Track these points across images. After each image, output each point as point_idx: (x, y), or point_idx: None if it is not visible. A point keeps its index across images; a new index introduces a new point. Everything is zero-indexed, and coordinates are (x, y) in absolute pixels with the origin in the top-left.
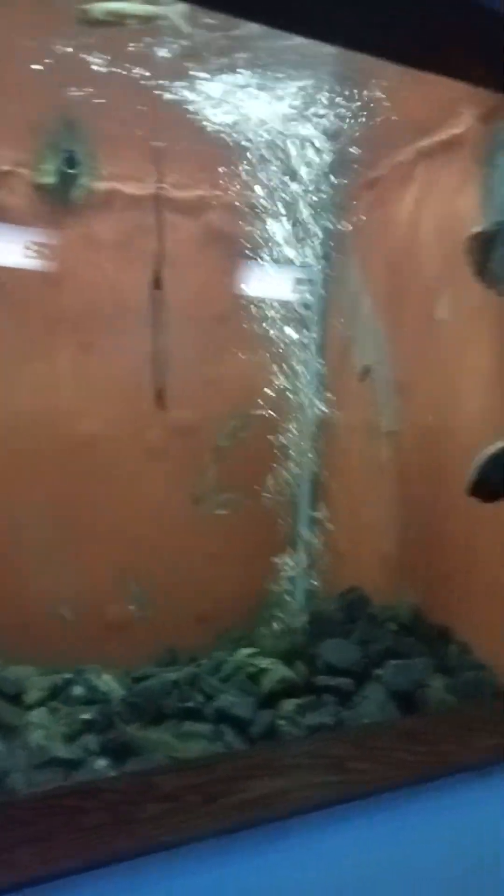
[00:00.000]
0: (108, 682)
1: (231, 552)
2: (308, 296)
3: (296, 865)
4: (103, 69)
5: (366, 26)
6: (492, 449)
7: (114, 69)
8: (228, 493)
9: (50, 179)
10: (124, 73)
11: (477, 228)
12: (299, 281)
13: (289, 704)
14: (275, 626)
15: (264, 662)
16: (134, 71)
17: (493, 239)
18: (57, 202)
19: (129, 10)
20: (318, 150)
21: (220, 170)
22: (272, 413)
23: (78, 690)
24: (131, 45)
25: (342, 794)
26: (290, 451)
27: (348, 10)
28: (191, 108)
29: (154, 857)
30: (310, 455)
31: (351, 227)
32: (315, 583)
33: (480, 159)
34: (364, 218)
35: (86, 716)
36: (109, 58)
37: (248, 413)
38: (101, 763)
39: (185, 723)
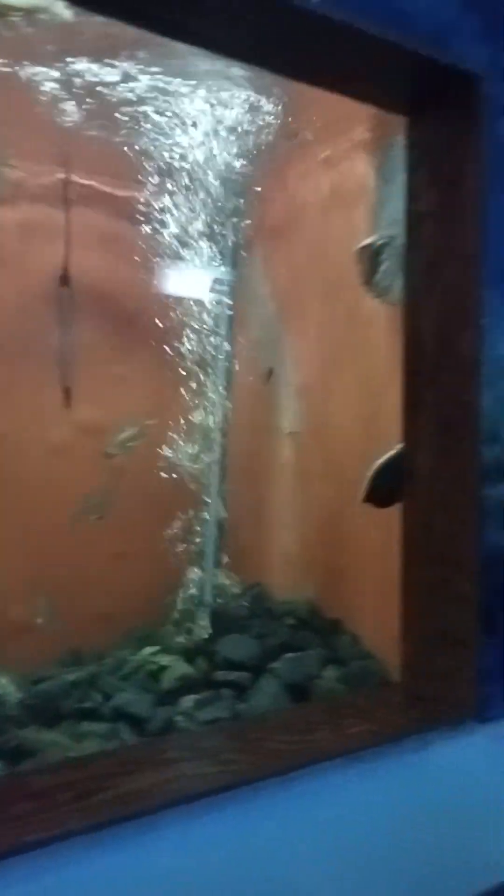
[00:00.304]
0: (4, 686)
1: (137, 551)
2: (216, 298)
3: (168, 857)
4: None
5: (261, 43)
6: (382, 459)
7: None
8: (125, 497)
9: None
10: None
11: (366, 241)
12: (208, 284)
13: (187, 700)
14: (179, 623)
15: (165, 660)
16: (29, 69)
17: (380, 252)
18: None
19: (13, 3)
20: (228, 155)
21: (134, 168)
22: (177, 416)
23: None
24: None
25: (216, 785)
26: (199, 451)
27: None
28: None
29: (22, 856)
30: (217, 455)
31: (256, 235)
32: (220, 581)
33: (374, 175)
34: (269, 227)
35: None
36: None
37: (142, 423)
38: None
39: (82, 723)
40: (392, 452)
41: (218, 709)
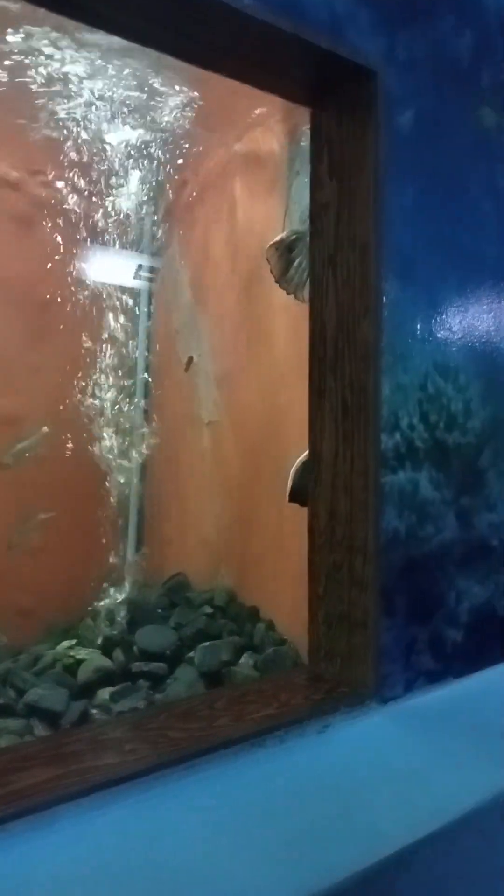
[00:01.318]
0: None
1: (57, 546)
2: (135, 285)
3: (65, 851)
4: None
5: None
6: (302, 457)
7: None
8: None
9: None
10: None
11: (277, 237)
12: (127, 271)
13: (104, 693)
14: (99, 615)
15: (82, 653)
16: None
17: (292, 247)
18: None
19: None
20: (145, 140)
21: (50, 147)
22: (96, 404)
23: None
24: None
25: (114, 776)
26: (117, 442)
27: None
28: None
29: None
30: (136, 444)
31: (175, 223)
32: (140, 571)
33: (284, 170)
34: (186, 215)
35: None
36: None
37: (39, 432)
38: None
39: None
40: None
41: (134, 699)
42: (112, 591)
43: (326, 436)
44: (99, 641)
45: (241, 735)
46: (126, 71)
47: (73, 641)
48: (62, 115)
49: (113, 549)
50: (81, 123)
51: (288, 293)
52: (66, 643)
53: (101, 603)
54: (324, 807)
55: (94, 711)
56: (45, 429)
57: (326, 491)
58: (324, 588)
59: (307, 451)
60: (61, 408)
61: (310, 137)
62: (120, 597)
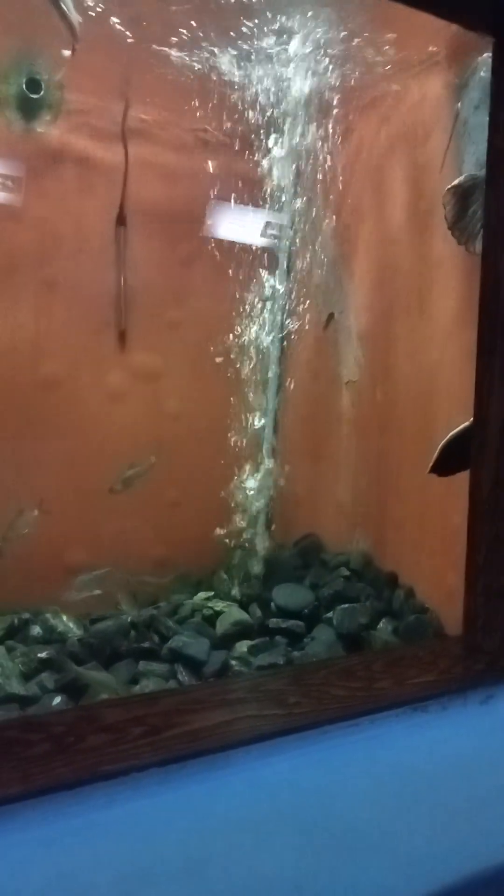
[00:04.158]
0: (65, 623)
1: (192, 500)
2: (275, 241)
3: (234, 794)
4: None
5: None
6: (456, 430)
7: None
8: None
9: (11, 102)
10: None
11: (456, 181)
12: (267, 226)
13: (242, 646)
14: (233, 570)
15: (220, 605)
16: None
17: (469, 194)
18: (18, 129)
19: None
20: (292, 87)
21: (193, 105)
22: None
23: (35, 631)
24: None
25: (281, 727)
26: (251, 399)
27: None
28: (162, 41)
29: (96, 785)
30: (271, 403)
31: (320, 172)
32: (273, 529)
33: (457, 107)
34: (335, 164)
35: (42, 655)
36: None
37: (148, 461)
38: (57, 700)
39: (140, 662)
40: (466, 424)
41: (273, 655)
42: (246, 548)
43: (495, 398)
44: (236, 595)
45: (405, 698)
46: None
47: (210, 594)
48: (216, 59)
49: (246, 505)
50: (239, 68)
51: (459, 243)
52: (202, 594)
53: (235, 558)
54: (491, 780)
55: (234, 663)
56: (153, 458)
57: (492, 458)
58: (484, 558)
59: (463, 425)
60: (198, 362)
61: (492, 73)
62: (254, 552)
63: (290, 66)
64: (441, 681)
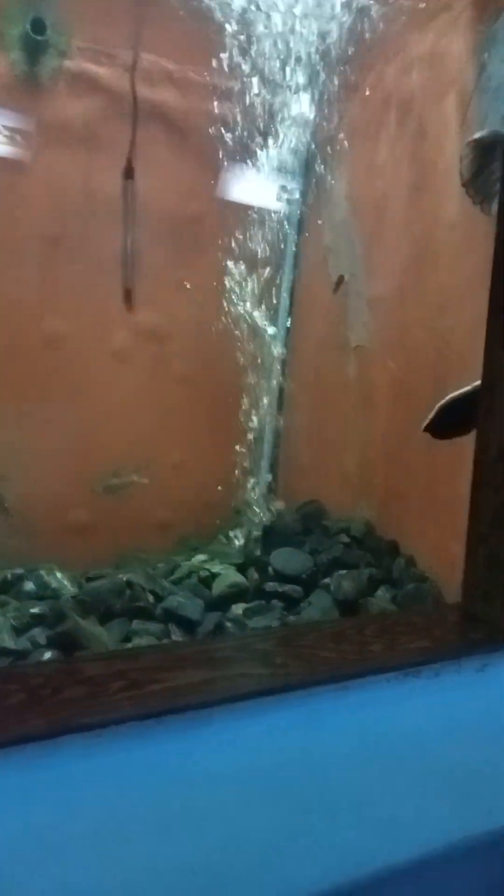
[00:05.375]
0: (59, 580)
1: (194, 463)
2: (287, 203)
3: (214, 751)
4: None
5: None
6: (457, 392)
7: None
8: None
9: (15, 44)
10: None
11: (477, 135)
12: (278, 186)
13: (238, 608)
14: (232, 533)
15: (217, 567)
16: None
17: (490, 150)
18: (22, 73)
19: None
20: (308, 46)
21: (206, 57)
22: (239, 322)
23: (29, 586)
24: None
25: (265, 687)
26: (257, 363)
27: None
28: None
29: (73, 737)
30: (276, 367)
31: (336, 131)
32: (274, 495)
33: (483, 59)
34: (350, 122)
35: (35, 610)
36: None
37: (132, 476)
38: (47, 655)
39: (134, 621)
40: (468, 388)
41: (268, 618)
42: (247, 511)
43: None
44: (234, 559)
45: (396, 663)
46: None
47: (209, 556)
48: (230, 10)
49: (248, 470)
50: (252, 22)
51: (474, 202)
52: (200, 556)
53: (235, 522)
54: (481, 747)
55: (228, 624)
56: (136, 477)
57: (499, 423)
58: (488, 527)
59: (465, 388)
60: (206, 324)
61: None
62: (254, 517)
63: (303, 16)
64: (435, 647)
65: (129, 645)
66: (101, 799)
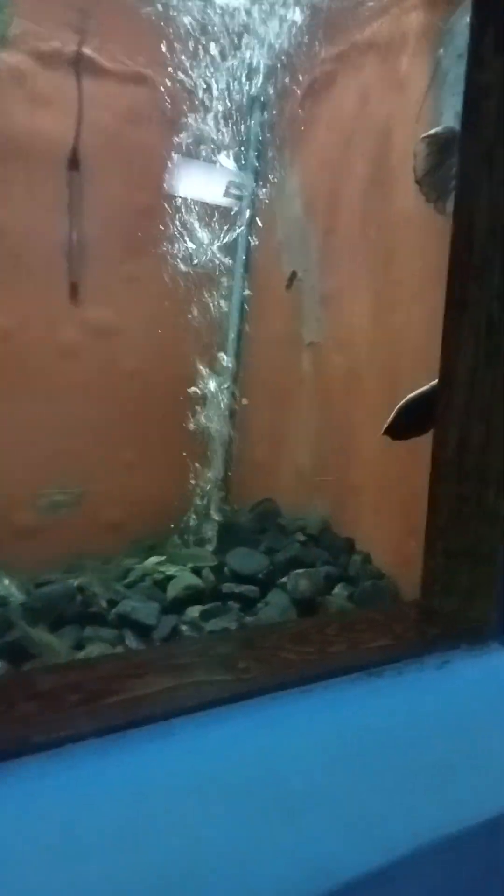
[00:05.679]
0: (6, 587)
1: (147, 462)
2: (238, 197)
3: (177, 763)
4: None
5: None
6: (414, 393)
7: None
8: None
9: None
10: None
11: (432, 131)
12: (230, 180)
13: (194, 611)
14: (186, 534)
15: (171, 570)
16: None
17: (445, 148)
18: None
19: None
20: (260, 36)
21: (155, 45)
22: (190, 319)
23: None
24: None
25: (228, 693)
26: (209, 360)
27: None
28: None
29: (27, 758)
30: (228, 366)
31: (288, 124)
32: (228, 494)
33: (439, 54)
34: (302, 114)
35: None
36: None
37: (76, 494)
38: None
39: (86, 628)
40: (425, 388)
41: (225, 620)
42: (199, 510)
43: (464, 355)
44: (205, 561)
45: (359, 664)
46: None
47: (162, 558)
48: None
49: (201, 469)
50: (197, 11)
51: (428, 200)
52: (154, 559)
53: (189, 522)
54: (445, 746)
55: (184, 628)
56: (81, 488)
57: (459, 417)
58: (445, 520)
59: (422, 389)
60: (156, 319)
61: (472, 5)
62: (208, 517)
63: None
64: (397, 645)
65: (83, 653)
66: (59, 822)
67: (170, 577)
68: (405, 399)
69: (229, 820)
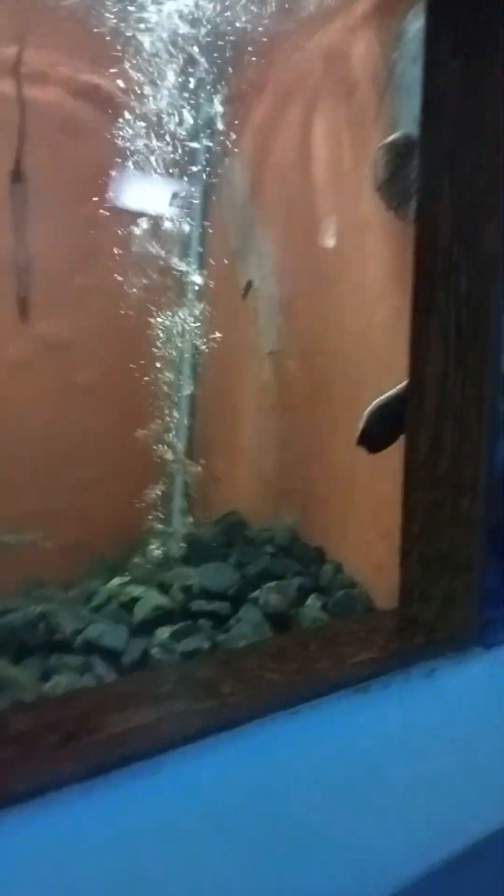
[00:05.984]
0: None
1: (106, 479)
2: (189, 206)
3: (167, 802)
4: None
5: None
6: (380, 399)
7: None
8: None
9: None
10: None
11: (390, 138)
12: (181, 188)
13: (163, 632)
14: (150, 553)
15: (137, 590)
16: None
17: (404, 154)
18: None
19: None
20: (205, 46)
21: (100, 55)
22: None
23: None
24: None
25: (214, 722)
26: (167, 375)
27: None
28: None
29: (7, 809)
30: (187, 377)
31: (237, 132)
32: (192, 508)
33: (393, 58)
34: (252, 122)
35: None
36: None
37: (26, 539)
38: None
39: (52, 657)
40: (391, 392)
41: (197, 640)
42: (163, 526)
43: (432, 359)
44: (155, 579)
45: (345, 680)
46: None
47: (126, 578)
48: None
49: (162, 484)
50: (141, 18)
51: (388, 207)
52: (117, 580)
53: (154, 539)
54: (442, 759)
55: (154, 651)
56: (41, 534)
57: (429, 421)
58: (420, 527)
59: (388, 393)
60: (110, 332)
61: (427, 8)
62: (172, 533)
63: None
64: (382, 658)
65: (49, 684)
66: (47, 876)
67: (136, 599)
68: (372, 404)
69: (228, 858)
